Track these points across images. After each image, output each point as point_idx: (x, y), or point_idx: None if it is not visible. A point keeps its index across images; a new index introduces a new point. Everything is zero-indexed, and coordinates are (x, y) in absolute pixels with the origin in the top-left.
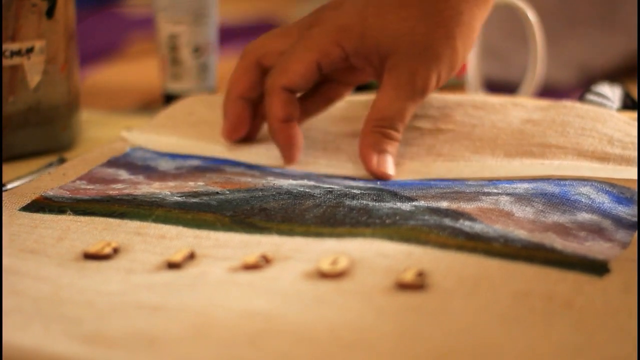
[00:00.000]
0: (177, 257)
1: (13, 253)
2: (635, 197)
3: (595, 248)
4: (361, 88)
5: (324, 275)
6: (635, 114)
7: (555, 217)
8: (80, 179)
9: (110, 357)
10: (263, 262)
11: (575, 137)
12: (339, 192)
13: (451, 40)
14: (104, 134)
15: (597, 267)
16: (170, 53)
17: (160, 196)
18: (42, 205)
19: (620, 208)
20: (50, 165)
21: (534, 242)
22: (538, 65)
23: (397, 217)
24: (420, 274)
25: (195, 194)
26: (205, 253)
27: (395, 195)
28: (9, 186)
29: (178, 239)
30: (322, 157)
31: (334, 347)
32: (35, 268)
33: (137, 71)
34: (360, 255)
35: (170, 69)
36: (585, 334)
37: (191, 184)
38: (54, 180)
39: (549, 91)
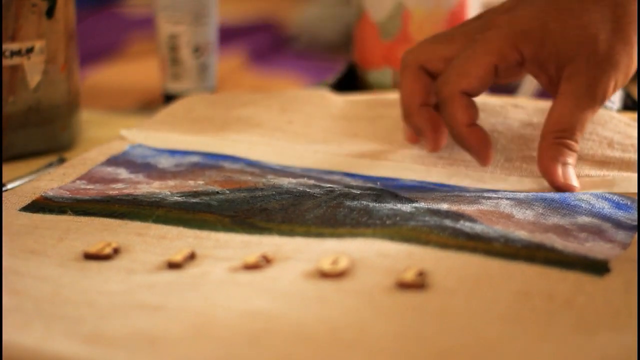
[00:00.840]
0: (178, 257)
1: (13, 253)
2: (635, 204)
3: (596, 248)
4: (356, 88)
5: (324, 275)
6: (635, 115)
7: (555, 220)
8: (80, 178)
9: (111, 357)
10: (263, 262)
11: None
12: (339, 193)
13: (628, 47)
14: (104, 134)
15: (597, 267)
16: (170, 53)
17: (160, 196)
18: (42, 205)
19: (620, 213)
20: (50, 165)
21: (534, 242)
22: None
23: (398, 218)
24: (421, 274)
25: (196, 194)
26: (206, 253)
27: (396, 197)
28: (9, 186)
29: (178, 239)
30: (323, 151)
31: (335, 346)
32: (36, 268)
33: (137, 71)
34: (361, 255)
35: (170, 69)
36: (586, 333)
37: (191, 183)
38: (54, 180)
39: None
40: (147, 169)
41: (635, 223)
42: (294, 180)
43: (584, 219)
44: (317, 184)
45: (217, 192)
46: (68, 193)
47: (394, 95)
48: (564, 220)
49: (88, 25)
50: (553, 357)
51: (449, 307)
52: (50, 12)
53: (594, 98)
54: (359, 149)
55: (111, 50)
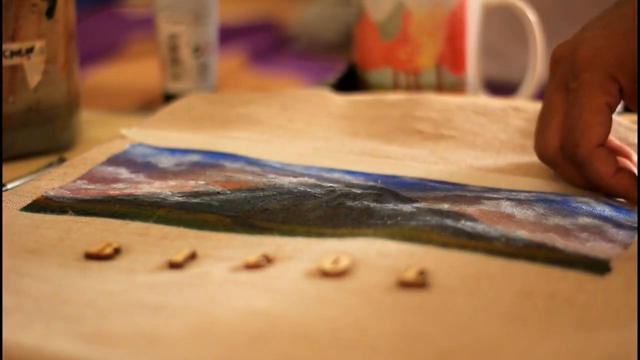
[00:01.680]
0: (179, 257)
1: (14, 253)
2: (635, 209)
3: (597, 248)
4: (356, 88)
5: (325, 275)
6: (635, 117)
7: (556, 220)
8: (81, 178)
9: (112, 356)
10: (264, 262)
11: None
12: (340, 193)
13: None
14: (104, 134)
15: (598, 266)
16: (170, 53)
17: (161, 196)
18: (43, 205)
19: (621, 215)
20: (50, 165)
21: (535, 242)
22: (538, 65)
23: (399, 218)
24: (422, 273)
25: (196, 194)
26: (207, 253)
27: (397, 196)
28: (9, 186)
29: (179, 239)
30: (324, 149)
31: (336, 346)
32: (37, 268)
33: (137, 71)
34: (362, 255)
35: (170, 69)
36: (587, 332)
37: (192, 183)
38: (55, 179)
39: None
40: (147, 168)
41: (636, 224)
42: (294, 180)
43: (584, 220)
44: (318, 183)
45: (218, 192)
46: (69, 193)
47: (394, 96)
48: (565, 220)
49: (88, 25)
50: (554, 356)
51: (450, 306)
52: (50, 12)
53: None
54: (360, 147)
55: (111, 50)
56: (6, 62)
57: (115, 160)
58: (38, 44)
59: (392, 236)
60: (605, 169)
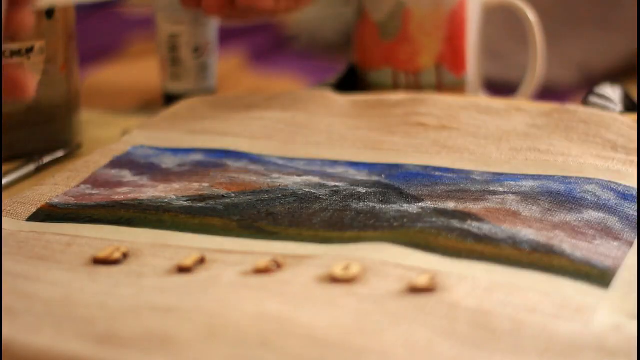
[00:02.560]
0: (188, 261)
1: (22, 260)
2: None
3: (603, 249)
4: (357, 89)
5: (336, 281)
6: (635, 116)
7: (562, 216)
8: (84, 182)
9: (123, 357)
10: (274, 267)
11: (579, 143)
12: (344, 193)
13: None
14: (104, 134)
15: (603, 278)
16: (170, 53)
17: (166, 200)
18: (48, 213)
19: (626, 204)
20: (22, 167)
21: (542, 244)
22: (538, 65)
23: (405, 220)
24: (433, 279)
25: (201, 198)
26: (215, 258)
27: (401, 194)
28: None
29: (186, 244)
30: (327, 143)
31: (346, 350)
32: (45, 273)
33: (137, 71)
34: (372, 261)
35: (170, 69)
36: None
37: (196, 185)
38: (58, 184)
39: (549, 91)
40: (150, 169)
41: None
42: (298, 180)
43: (590, 214)
44: (322, 182)
45: (223, 196)
46: (73, 199)
47: (396, 96)
48: (571, 216)
49: (88, 25)
50: None
51: (459, 312)
52: (50, 12)
53: None
54: (363, 139)
55: (111, 50)
56: (6, 62)
57: (118, 162)
58: (38, 44)
59: (400, 239)
60: None
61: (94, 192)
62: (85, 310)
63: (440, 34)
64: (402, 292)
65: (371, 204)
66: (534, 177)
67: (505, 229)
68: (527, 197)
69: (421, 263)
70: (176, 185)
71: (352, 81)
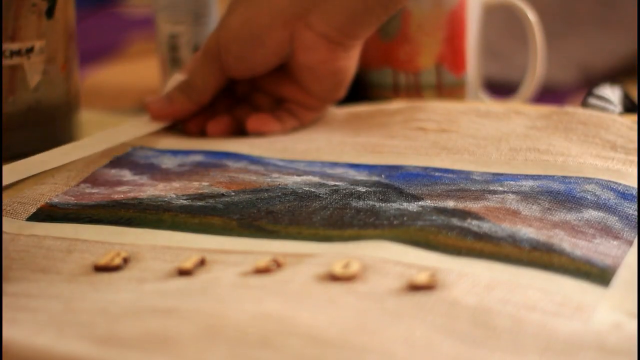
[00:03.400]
0: (188, 264)
1: (24, 275)
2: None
3: (603, 248)
4: (356, 89)
5: (336, 279)
6: (634, 117)
7: (562, 215)
8: (84, 181)
9: (124, 357)
10: (274, 266)
11: (578, 143)
12: (344, 192)
13: None
14: None
15: (603, 276)
16: (170, 53)
17: (166, 199)
18: (48, 213)
19: (626, 204)
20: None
21: (542, 242)
22: (538, 65)
23: (405, 218)
24: (433, 276)
25: (201, 196)
26: (215, 259)
27: (401, 194)
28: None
29: (187, 244)
30: (327, 147)
31: (346, 349)
32: (47, 287)
33: (137, 71)
34: (372, 259)
35: (170, 69)
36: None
37: (196, 184)
38: (58, 184)
39: (549, 91)
40: (150, 169)
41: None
42: (298, 179)
43: (590, 213)
44: (322, 181)
45: (223, 194)
46: (73, 199)
47: (395, 105)
48: (571, 215)
49: (88, 25)
50: None
51: (460, 311)
52: (50, 12)
53: None
54: (362, 142)
55: (111, 50)
56: (6, 62)
57: (118, 162)
58: (38, 44)
59: (400, 237)
60: None
61: (93, 191)
62: (87, 316)
63: (440, 34)
64: (402, 290)
65: (371, 203)
66: (533, 177)
67: (505, 227)
68: (527, 196)
69: (421, 261)
70: (176, 184)
71: (352, 81)
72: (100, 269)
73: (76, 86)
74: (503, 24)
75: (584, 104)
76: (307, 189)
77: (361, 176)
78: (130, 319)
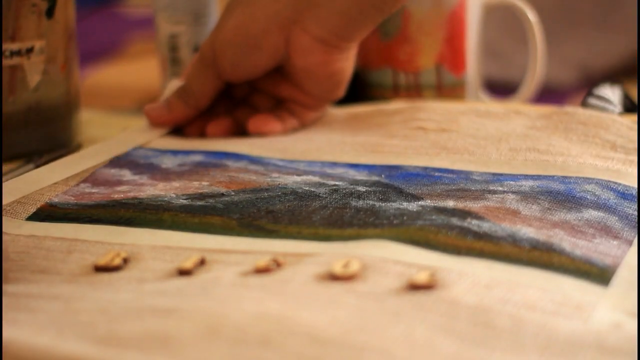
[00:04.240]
0: (188, 264)
1: (24, 276)
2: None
3: (603, 248)
4: (356, 89)
5: (336, 278)
6: (634, 117)
7: (562, 215)
8: (84, 181)
9: (124, 357)
10: (274, 266)
11: (578, 143)
12: (344, 192)
13: None
14: (104, 134)
15: (602, 276)
16: (170, 53)
17: (166, 199)
18: (48, 212)
19: (626, 203)
20: (22, 166)
21: (542, 242)
22: (538, 65)
23: (405, 217)
24: (433, 276)
25: (201, 196)
26: (215, 258)
27: (401, 193)
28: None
29: (187, 244)
30: (327, 147)
31: (346, 349)
32: (47, 288)
33: (137, 71)
34: (372, 258)
35: (170, 69)
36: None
37: (196, 184)
38: (58, 184)
39: (549, 91)
40: (150, 169)
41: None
42: (298, 179)
43: (590, 213)
44: (322, 181)
45: (223, 194)
46: (73, 199)
47: (395, 105)
48: (571, 215)
49: (88, 25)
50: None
51: (460, 310)
52: (50, 12)
53: None
54: (362, 142)
55: (111, 50)
56: (6, 62)
57: (118, 162)
58: (38, 44)
59: (400, 237)
60: None
61: (93, 190)
62: (87, 316)
63: (440, 34)
64: (402, 289)
65: (371, 202)
66: (533, 177)
67: (505, 227)
68: (527, 196)
69: (421, 260)
70: (176, 184)
71: (351, 81)
72: (100, 269)
73: (76, 86)
74: (503, 24)
75: (584, 104)
76: (307, 188)
77: (361, 176)
78: (130, 319)
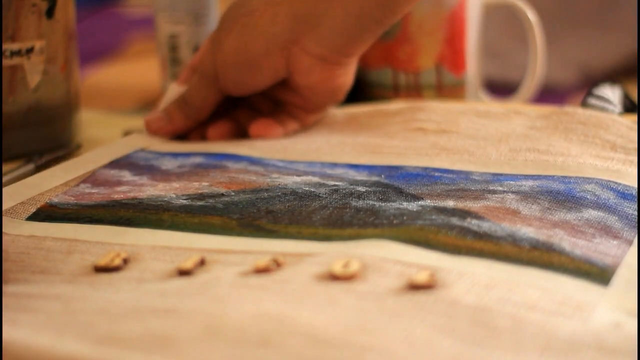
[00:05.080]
0: (188, 264)
1: (24, 276)
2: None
3: (603, 247)
4: (356, 89)
5: (336, 278)
6: (634, 117)
7: (562, 215)
8: (84, 182)
9: (124, 357)
10: (274, 266)
11: (578, 143)
12: (344, 192)
13: None
14: (104, 134)
15: (602, 276)
16: (170, 53)
17: (165, 199)
18: (48, 213)
19: (626, 203)
20: (22, 166)
21: (542, 242)
22: (538, 65)
23: (405, 217)
24: (432, 275)
25: (201, 196)
26: (215, 259)
27: (401, 193)
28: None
29: (186, 244)
30: (326, 148)
31: (346, 348)
32: (47, 288)
33: (137, 71)
34: (372, 258)
35: (170, 69)
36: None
37: (196, 184)
38: (58, 185)
39: (549, 91)
40: (150, 170)
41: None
42: (298, 179)
43: (590, 213)
44: (322, 181)
45: (222, 194)
46: (73, 199)
47: (395, 105)
48: (571, 215)
49: (88, 25)
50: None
51: (459, 310)
52: (50, 12)
53: None
54: (362, 143)
55: (111, 50)
56: (6, 62)
57: (118, 163)
58: (38, 44)
59: (400, 237)
60: None
61: (93, 191)
62: (86, 316)
63: (440, 34)
64: (401, 289)
65: (371, 202)
66: (533, 177)
67: (505, 226)
68: (527, 196)
69: (421, 260)
70: (176, 184)
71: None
72: (100, 269)
73: (76, 86)
74: (503, 24)
75: (584, 104)
76: (307, 188)
77: (361, 176)
78: (130, 319)
